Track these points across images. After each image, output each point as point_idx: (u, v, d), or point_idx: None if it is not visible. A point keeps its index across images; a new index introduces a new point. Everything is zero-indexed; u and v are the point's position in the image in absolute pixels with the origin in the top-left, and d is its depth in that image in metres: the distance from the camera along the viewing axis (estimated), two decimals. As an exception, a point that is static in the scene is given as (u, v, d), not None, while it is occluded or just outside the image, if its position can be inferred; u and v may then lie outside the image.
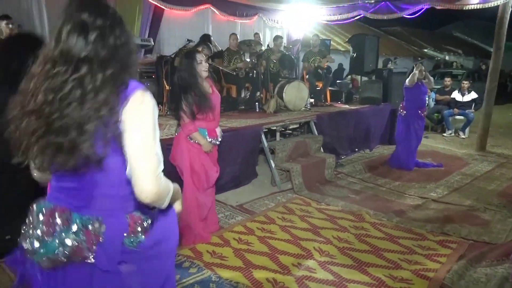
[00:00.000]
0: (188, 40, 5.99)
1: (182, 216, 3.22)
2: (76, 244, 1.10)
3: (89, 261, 1.12)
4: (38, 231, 1.12)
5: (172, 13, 7.15)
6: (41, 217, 1.14)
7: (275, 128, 5.18)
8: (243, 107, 6.40)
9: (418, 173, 5.28)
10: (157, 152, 1.13)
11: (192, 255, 2.91)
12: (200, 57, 2.93)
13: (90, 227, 1.12)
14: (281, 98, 5.97)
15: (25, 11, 5.41)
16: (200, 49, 5.05)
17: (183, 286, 2.52)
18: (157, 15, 6.95)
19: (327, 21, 9.32)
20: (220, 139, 3.17)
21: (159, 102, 5.67)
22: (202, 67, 2.91)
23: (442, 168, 5.52)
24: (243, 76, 6.40)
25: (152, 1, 6.69)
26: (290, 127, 5.81)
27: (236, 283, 2.57)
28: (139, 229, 1.18)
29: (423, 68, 5.35)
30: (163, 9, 6.93)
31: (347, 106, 6.98)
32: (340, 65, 10.24)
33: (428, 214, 3.87)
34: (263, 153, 4.80)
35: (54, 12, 5.70)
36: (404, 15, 8.27)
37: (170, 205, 1.27)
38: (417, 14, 8.11)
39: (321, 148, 5.38)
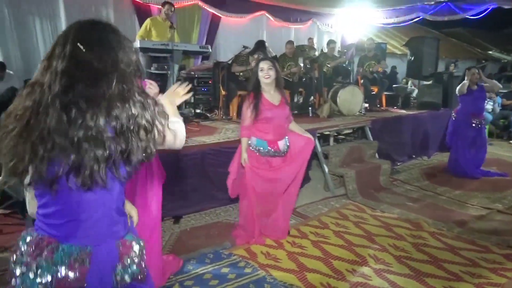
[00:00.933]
0: (244, 46, 6.15)
1: (240, 216, 3.34)
2: (62, 276, 1.05)
3: None
4: (23, 262, 1.07)
5: (228, 20, 7.40)
6: (24, 248, 1.08)
7: (328, 132, 5.16)
8: (297, 111, 6.41)
9: (481, 182, 4.98)
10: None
11: (247, 255, 2.99)
12: (262, 65, 3.03)
13: (77, 257, 1.07)
14: (335, 102, 5.93)
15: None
16: (256, 56, 5.18)
17: (239, 285, 2.60)
18: (215, 23, 7.22)
19: (383, 24, 9.11)
20: (283, 152, 3.14)
21: (215, 107, 5.87)
22: (263, 74, 3.01)
23: (507, 177, 5.17)
24: (296, 81, 6.44)
25: (210, 10, 6.97)
26: (344, 132, 5.75)
27: (290, 285, 2.61)
28: (131, 257, 1.15)
29: (477, 71, 5.06)
30: (220, 17, 7.18)
31: (403, 111, 6.77)
32: (393, 67, 9.91)
33: (493, 226, 3.66)
34: (317, 158, 4.80)
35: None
36: (468, 16, 7.88)
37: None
38: (482, 15, 7.70)
39: (376, 154, 5.26)
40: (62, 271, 1.05)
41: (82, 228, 1.09)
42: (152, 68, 5.15)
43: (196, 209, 3.80)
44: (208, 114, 5.70)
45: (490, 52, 16.98)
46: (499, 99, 8.10)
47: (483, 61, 14.01)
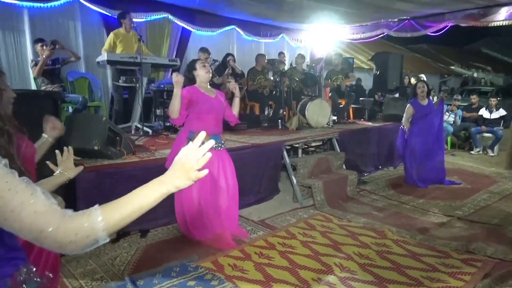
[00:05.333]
0: (213, 60, 6.21)
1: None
2: None
3: None
4: None
5: (198, 34, 7.45)
6: None
7: (297, 145, 5.25)
8: (266, 124, 6.51)
9: (443, 191, 5.19)
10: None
11: (214, 268, 2.98)
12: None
13: None
14: (304, 115, 6.06)
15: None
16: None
17: (205, 297, 2.59)
18: (185, 36, 7.25)
19: (350, 39, 9.42)
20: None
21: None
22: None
23: (460, 185, 5.41)
24: (267, 94, 6.55)
25: (180, 23, 7.01)
26: (313, 144, 5.86)
27: (256, 295, 2.61)
28: None
29: (422, 85, 5.31)
30: (190, 30, 7.23)
31: (370, 123, 6.98)
32: (359, 80, 10.20)
33: (453, 232, 3.80)
34: (285, 170, 4.87)
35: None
36: (428, 33, 8.27)
37: None
38: (441, 32, 8.08)
39: (344, 165, 5.39)
40: None
41: None
42: (120, 81, 5.12)
43: (163, 222, 3.76)
44: (177, 127, 5.68)
45: (452, 67, 17.82)
46: (460, 112, 8.49)
47: (446, 76, 14.67)
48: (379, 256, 3.26)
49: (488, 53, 23.09)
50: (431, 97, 5.62)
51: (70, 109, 5.01)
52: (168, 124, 5.74)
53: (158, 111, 5.66)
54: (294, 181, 4.68)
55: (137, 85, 5.06)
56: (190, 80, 3.34)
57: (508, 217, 4.17)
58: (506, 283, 2.76)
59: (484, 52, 23.10)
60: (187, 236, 3.45)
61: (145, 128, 5.05)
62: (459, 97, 9.10)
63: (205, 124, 3.18)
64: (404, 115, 5.42)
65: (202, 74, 3.31)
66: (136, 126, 5.07)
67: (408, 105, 5.40)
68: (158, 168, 3.64)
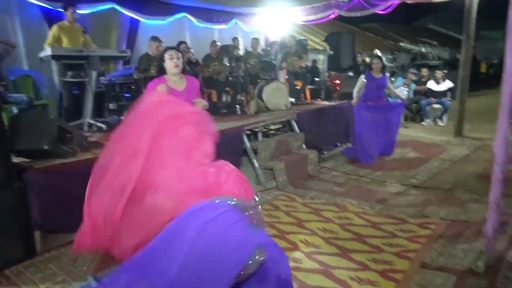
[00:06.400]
0: (166, 48, 6.04)
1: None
2: None
3: None
4: None
5: (148, 24, 7.22)
6: None
7: (257, 129, 5.27)
8: (225, 110, 6.48)
9: (399, 162, 5.42)
10: None
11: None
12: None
13: None
14: (261, 99, 6.08)
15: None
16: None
17: None
18: (134, 26, 7.02)
19: (303, 21, 9.51)
20: None
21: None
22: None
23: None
24: (223, 80, 6.50)
25: (128, 13, 6.76)
26: (272, 127, 5.91)
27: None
28: None
29: (377, 61, 5.44)
30: (139, 20, 7.00)
31: (327, 102, 7.13)
32: (314, 61, 10.35)
33: (409, 200, 4.01)
34: (247, 154, 4.88)
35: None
36: (377, 11, 8.49)
37: None
38: (389, 9, 8.33)
39: (304, 145, 5.49)
40: None
41: None
42: (67, 76, 4.86)
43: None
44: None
45: (402, 44, 18.48)
46: (413, 86, 8.82)
47: (396, 52, 15.21)
48: (342, 228, 3.38)
49: (434, 29, 24.15)
50: (387, 74, 5.77)
51: (15, 110, 4.73)
52: (122, 118, 5.58)
53: (111, 105, 5.46)
54: (256, 164, 4.71)
55: (87, 79, 4.84)
56: (161, 69, 3.13)
57: (458, 181, 4.44)
58: (458, 242, 2.95)
59: (429, 28, 24.13)
60: None
61: (98, 124, 4.86)
62: (415, 70, 9.45)
63: None
64: (355, 86, 5.52)
65: (169, 67, 3.07)
66: (88, 122, 4.86)
67: (361, 76, 5.52)
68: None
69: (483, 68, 17.34)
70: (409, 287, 2.42)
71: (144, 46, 7.17)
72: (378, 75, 5.44)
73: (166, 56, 3.06)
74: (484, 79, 15.98)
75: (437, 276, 2.52)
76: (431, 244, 2.93)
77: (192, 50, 7.01)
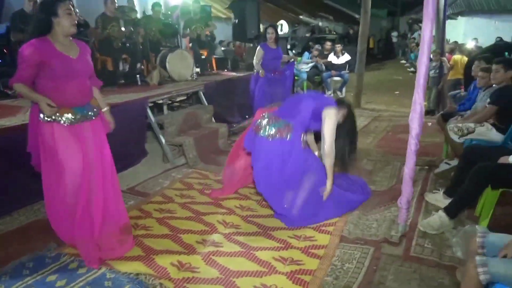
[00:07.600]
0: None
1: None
2: None
3: None
4: None
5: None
6: None
7: (161, 101, 4.82)
8: (123, 81, 5.82)
9: (306, 134, 5.50)
10: None
11: (78, 253, 2.50)
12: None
13: None
14: (165, 68, 5.57)
15: None
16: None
17: (73, 291, 2.16)
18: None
19: (205, -14, 8.98)
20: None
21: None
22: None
23: None
24: (118, 46, 5.75)
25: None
26: (178, 99, 5.50)
27: (136, 275, 2.29)
28: None
29: (271, 31, 5.27)
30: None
31: (234, 73, 6.89)
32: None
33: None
34: (152, 129, 4.44)
35: None
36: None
37: None
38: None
39: (213, 118, 5.22)
40: None
41: None
42: None
43: (5, 211, 3.04)
44: (8, 92, 4.59)
45: (301, 17, 18.98)
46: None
47: (296, 25, 15.54)
48: (260, 205, 3.25)
49: (329, 4, 25.29)
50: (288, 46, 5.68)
51: None
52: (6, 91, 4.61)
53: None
54: (163, 140, 4.31)
55: None
56: (43, 25, 2.26)
57: (362, 152, 4.64)
58: (371, 212, 3.03)
59: (325, 3, 25.21)
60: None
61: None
62: (320, 47, 9.67)
63: (65, 95, 2.31)
64: (254, 58, 5.34)
65: (66, 25, 2.26)
66: None
67: (258, 47, 5.33)
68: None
69: (371, 44, 18.77)
70: (333, 263, 2.39)
71: (16, 4, 6.00)
72: (273, 46, 5.30)
73: (61, 9, 2.23)
74: (372, 54, 17.36)
75: (356, 249, 2.54)
76: (347, 217, 2.97)
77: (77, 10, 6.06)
